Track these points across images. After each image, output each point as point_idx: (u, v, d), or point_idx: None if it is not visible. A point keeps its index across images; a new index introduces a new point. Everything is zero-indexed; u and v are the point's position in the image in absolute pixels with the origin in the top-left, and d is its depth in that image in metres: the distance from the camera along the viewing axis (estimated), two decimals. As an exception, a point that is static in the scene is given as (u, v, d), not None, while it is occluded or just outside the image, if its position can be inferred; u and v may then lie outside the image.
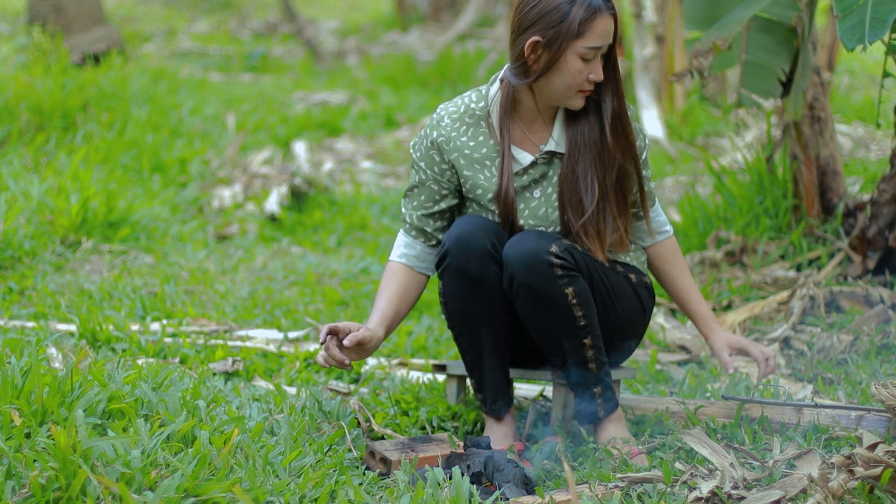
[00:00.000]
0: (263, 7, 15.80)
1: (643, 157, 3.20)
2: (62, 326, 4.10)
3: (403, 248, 3.22)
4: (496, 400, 3.19)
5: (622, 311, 3.17)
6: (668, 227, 3.32)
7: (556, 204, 3.12)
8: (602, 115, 3.11)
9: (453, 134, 3.15)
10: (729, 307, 4.47)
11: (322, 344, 2.98)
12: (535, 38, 3.00)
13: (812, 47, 4.48)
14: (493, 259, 3.05)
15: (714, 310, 4.46)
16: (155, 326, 4.21)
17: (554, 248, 2.99)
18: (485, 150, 3.14)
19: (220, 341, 4.07)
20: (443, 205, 3.19)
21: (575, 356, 3.07)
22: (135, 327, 4.17)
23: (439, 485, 2.71)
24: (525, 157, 3.13)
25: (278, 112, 9.05)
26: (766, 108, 5.28)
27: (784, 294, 4.32)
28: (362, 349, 3.03)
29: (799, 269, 4.61)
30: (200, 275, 5.13)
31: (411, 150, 3.22)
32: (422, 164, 3.19)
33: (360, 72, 11.44)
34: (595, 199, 3.09)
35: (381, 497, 2.75)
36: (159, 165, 6.86)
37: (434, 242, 3.22)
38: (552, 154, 3.13)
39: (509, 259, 3.02)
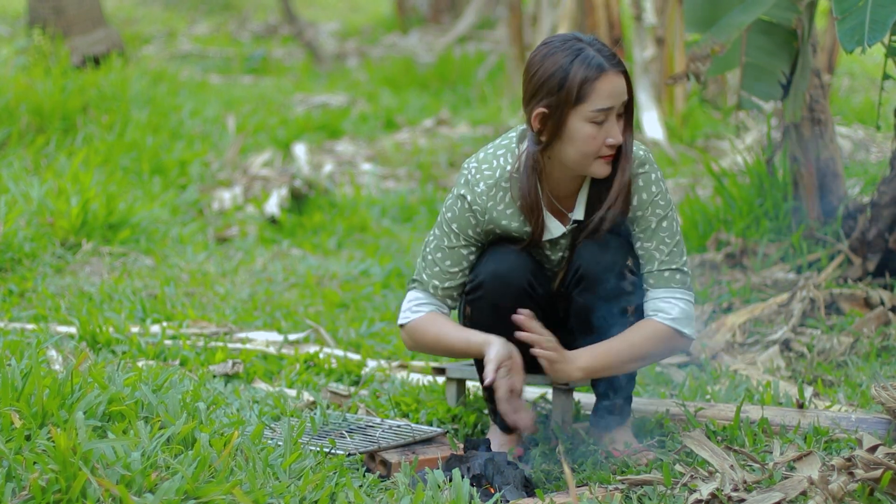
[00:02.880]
0: (263, 9, 15.80)
1: (655, 220, 2.97)
2: (62, 328, 4.10)
3: (428, 305, 3.05)
4: None
5: None
6: (668, 318, 2.95)
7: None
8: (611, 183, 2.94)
9: (490, 204, 2.98)
10: (729, 309, 4.46)
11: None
12: (540, 108, 2.86)
13: (812, 49, 4.48)
14: (529, 297, 2.99)
15: (714, 312, 4.46)
16: (155, 328, 4.21)
17: (630, 263, 2.97)
18: (517, 223, 3.00)
19: (220, 343, 4.07)
20: (465, 264, 3.04)
21: None
22: (135, 329, 4.17)
23: (439, 487, 2.71)
24: (557, 228, 3.01)
25: (278, 114, 9.06)
26: (766, 111, 5.28)
27: (784, 296, 4.32)
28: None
29: (799, 271, 4.61)
30: (200, 277, 5.13)
31: (444, 211, 3.03)
32: (454, 227, 3.01)
33: (360, 74, 11.44)
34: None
35: (381, 499, 2.75)
36: (159, 167, 6.86)
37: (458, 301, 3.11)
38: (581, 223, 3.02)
39: (585, 261, 2.96)
